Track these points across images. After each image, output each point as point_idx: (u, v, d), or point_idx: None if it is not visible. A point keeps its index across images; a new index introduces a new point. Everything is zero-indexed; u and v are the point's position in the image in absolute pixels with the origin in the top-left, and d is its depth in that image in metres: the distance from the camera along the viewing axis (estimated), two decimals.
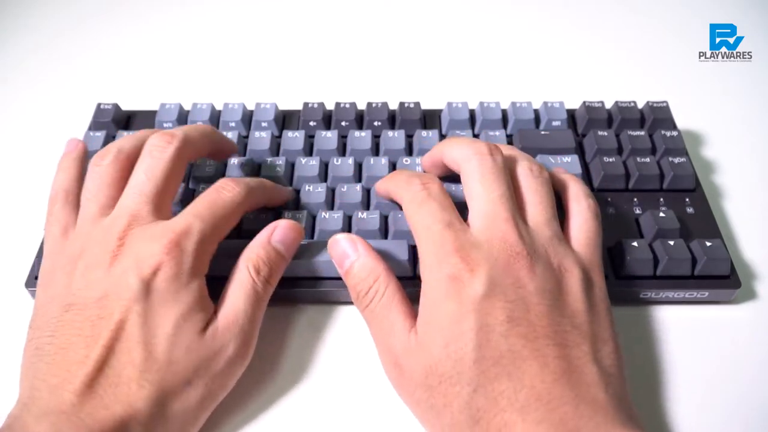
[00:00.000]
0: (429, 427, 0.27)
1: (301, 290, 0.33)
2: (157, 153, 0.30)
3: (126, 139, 0.32)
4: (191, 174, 0.37)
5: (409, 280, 0.32)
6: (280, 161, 0.37)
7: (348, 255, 0.30)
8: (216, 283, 0.29)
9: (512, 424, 0.24)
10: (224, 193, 0.30)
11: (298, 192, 0.36)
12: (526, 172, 0.31)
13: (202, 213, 0.29)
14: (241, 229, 0.34)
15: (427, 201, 0.29)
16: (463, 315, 0.26)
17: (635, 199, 0.36)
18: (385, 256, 0.31)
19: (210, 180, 0.35)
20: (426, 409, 0.26)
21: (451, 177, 0.34)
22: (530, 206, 0.30)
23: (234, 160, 0.37)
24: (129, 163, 0.31)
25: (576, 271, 0.28)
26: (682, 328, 0.33)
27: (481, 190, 0.29)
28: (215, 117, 0.41)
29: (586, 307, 0.27)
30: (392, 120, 0.41)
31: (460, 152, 0.31)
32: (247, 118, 0.41)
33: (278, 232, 0.30)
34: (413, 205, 0.30)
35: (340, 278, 0.32)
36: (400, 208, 0.33)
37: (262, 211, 0.34)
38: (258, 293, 0.29)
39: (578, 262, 0.28)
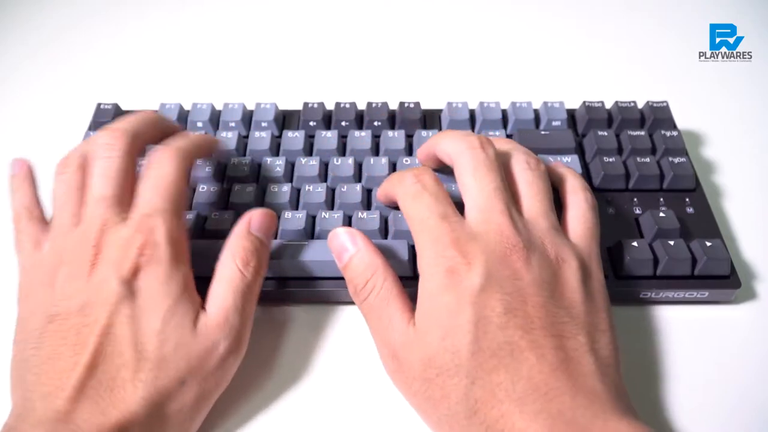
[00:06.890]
0: (425, 417, 0.27)
1: (297, 290, 0.33)
2: (107, 153, 0.30)
3: (84, 144, 0.31)
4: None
5: (409, 280, 0.32)
6: (280, 161, 0.37)
7: (347, 248, 0.30)
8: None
9: (510, 414, 0.24)
10: (163, 168, 0.30)
11: (298, 191, 0.36)
12: (522, 165, 0.31)
13: (156, 202, 0.29)
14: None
15: (421, 194, 0.29)
16: (460, 307, 0.26)
17: (635, 199, 0.36)
18: (385, 255, 0.31)
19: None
20: (423, 400, 0.26)
21: (447, 170, 0.34)
22: (526, 198, 0.30)
23: (234, 160, 0.37)
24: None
25: (573, 262, 0.28)
26: (682, 328, 0.33)
27: (474, 183, 0.29)
28: (215, 117, 0.41)
29: (583, 297, 0.27)
30: (392, 120, 0.41)
31: (453, 146, 0.31)
32: (247, 118, 0.41)
33: (255, 220, 0.30)
34: (408, 198, 0.30)
35: (335, 278, 0.33)
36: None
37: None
38: (249, 286, 0.29)
39: (575, 253, 0.29)
